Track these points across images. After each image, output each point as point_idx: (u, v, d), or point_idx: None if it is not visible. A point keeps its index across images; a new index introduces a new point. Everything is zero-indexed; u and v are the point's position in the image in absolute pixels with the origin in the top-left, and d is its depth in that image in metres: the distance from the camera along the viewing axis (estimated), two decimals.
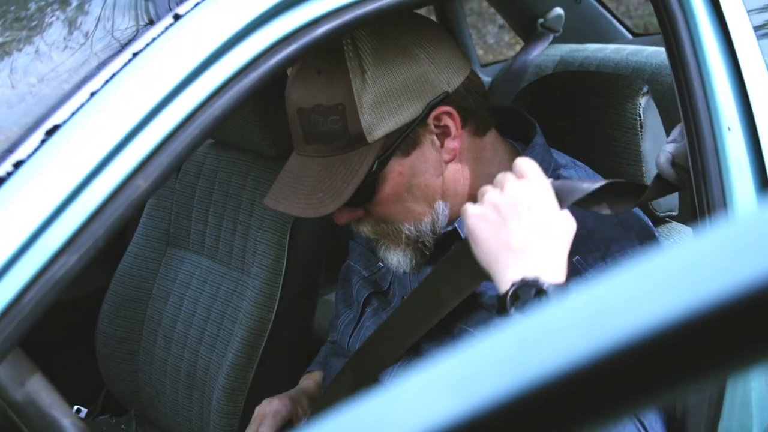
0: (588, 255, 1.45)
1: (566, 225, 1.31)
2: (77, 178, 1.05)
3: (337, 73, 1.49)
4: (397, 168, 1.53)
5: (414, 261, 1.61)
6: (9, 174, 1.04)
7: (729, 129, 1.42)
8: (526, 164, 1.34)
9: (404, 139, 1.51)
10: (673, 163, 1.47)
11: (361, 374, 1.68)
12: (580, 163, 1.63)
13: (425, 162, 1.54)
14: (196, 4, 1.18)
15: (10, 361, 1.12)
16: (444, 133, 1.54)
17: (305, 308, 2.27)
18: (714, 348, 0.47)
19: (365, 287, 1.79)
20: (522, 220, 1.28)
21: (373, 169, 1.50)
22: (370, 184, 1.52)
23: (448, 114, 1.53)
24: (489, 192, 1.33)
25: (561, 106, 1.72)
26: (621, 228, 1.48)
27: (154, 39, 1.14)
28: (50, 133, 1.06)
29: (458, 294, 1.50)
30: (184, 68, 1.13)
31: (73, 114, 1.08)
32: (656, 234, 1.54)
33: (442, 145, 1.54)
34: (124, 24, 1.19)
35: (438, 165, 1.55)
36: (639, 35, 3.41)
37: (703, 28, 1.45)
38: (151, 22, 1.18)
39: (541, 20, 3.03)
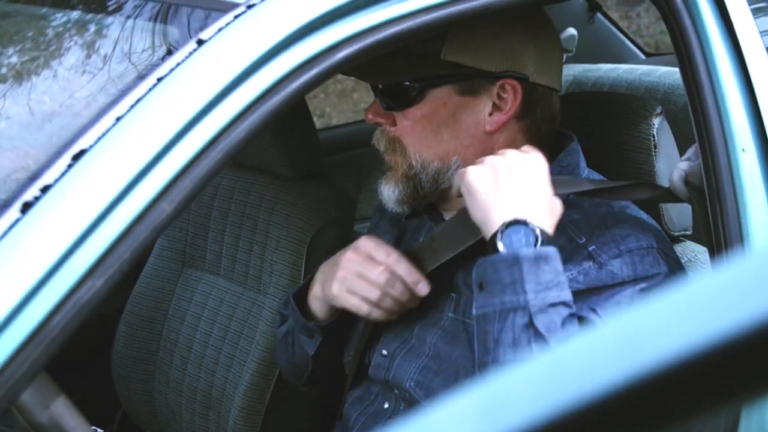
0: (604, 245, 1.49)
1: (553, 202, 1.42)
2: (103, 202, 1.07)
3: None
4: (445, 97, 1.58)
5: (403, 193, 1.64)
6: (37, 198, 1.05)
7: (743, 150, 1.43)
8: (532, 148, 1.45)
9: (467, 80, 1.57)
10: (686, 181, 1.49)
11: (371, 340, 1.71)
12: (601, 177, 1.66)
13: (470, 114, 1.59)
14: (219, 30, 1.20)
15: (35, 383, 1.13)
16: (498, 106, 1.59)
17: None
18: (733, 377, 0.48)
19: None
20: (516, 178, 1.39)
21: (427, 80, 1.56)
22: (415, 93, 1.57)
23: (514, 89, 1.58)
24: (490, 156, 1.43)
25: (575, 127, 1.73)
26: (639, 227, 1.52)
27: (178, 64, 1.16)
28: (77, 157, 1.08)
29: (435, 259, 1.58)
30: (208, 93, 1.15)
31: (99, 139, 1.10)
32: (669, 240, 1.57)
33: (491, 114, 1.59)
34: (146, 49, 1.21)
35: (477, 127, 1.60)
36: (651, 55, 3.43)
37: (716, 49, 1.46)
38: (173, 48, 1.19)
39: None
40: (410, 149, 1.61)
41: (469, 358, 1.54)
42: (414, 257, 1.62)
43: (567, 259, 1.50)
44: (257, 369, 2.17)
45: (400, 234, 1.82)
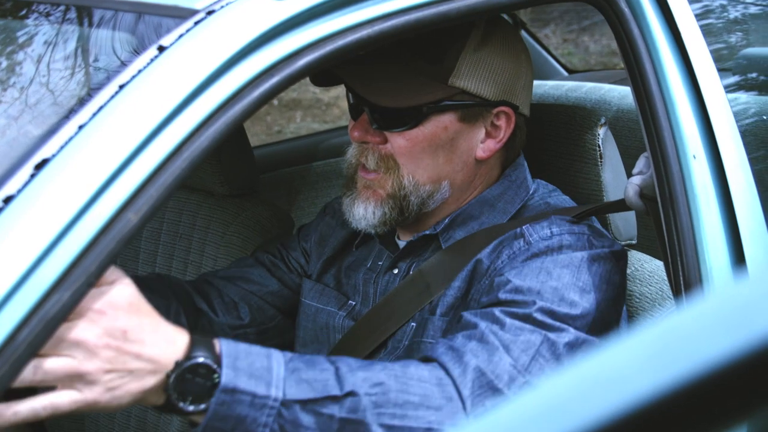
0: (537, 225, 1.52)
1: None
2: (68, 213, 1.03)
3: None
4: (447, 122, 1.57)
5: (387, 215, 1.60)
6: None
7: (694, 157, 1.45)
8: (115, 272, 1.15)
9: (469, 107, 1.58)
10: (641, 194, 1.51)
11: None
12: (557, 190, 1.69)
13: (466, 140, 1.60)
14: (180, 36, 1.17)
15: None
16: (491, 133, 1.61)
17: None
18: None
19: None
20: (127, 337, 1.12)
21: (436, 105, 1.55)
22: (419, 117, 1.56)
23: (508, 117, 1.61)
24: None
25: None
26: (574, 222, 1.54)
27: (140, 71, 1.13)
28: (39, 167, 1.04)
29: (427, 296, 1.56)
30: (171, 100, 1.12)
31: (61, 147, 1.06)
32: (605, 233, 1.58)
33: (484, 141, 1.60)
34: (107, 56, 1.18)
35: (471, 153, 1.61)
36: (574, 72, 3.49)
37: (664, 57, 1.48)
38: (134, 54, 1.16)
39: None
40: (404, 169, 1.58)
41: None
42: (402, 293, 1.61)
43: (499, 243, 1.52)
44: None
45: (344, 245, 1.80)
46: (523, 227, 1.53)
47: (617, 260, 1.52)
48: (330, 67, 1.54)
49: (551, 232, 1.50)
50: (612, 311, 1.47)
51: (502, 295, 1.42)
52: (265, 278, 1.84)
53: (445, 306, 1.54)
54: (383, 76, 1.56)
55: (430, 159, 1.58)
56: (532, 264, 1.45)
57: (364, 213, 1.61)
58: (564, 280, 1.42)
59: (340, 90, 7.58)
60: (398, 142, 1.57)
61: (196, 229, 2.26)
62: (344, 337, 1.68)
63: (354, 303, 1.72)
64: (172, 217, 2.30)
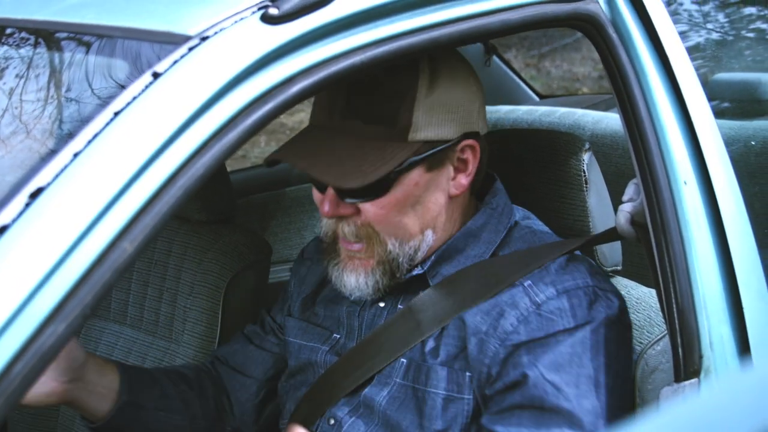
0: (540, 282, 1.50)
1: None
2: (64, 242, 1.01)
3: (408, 65, 1.50)
4: (416, 178, 1.53)
5: (380, 283, 1.57)
6: None
7: (685, 183, 1.45)
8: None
9: (434, 154, 1.53)
10: (632, 221, 1.50)
11: (314, 407, 1.65)
12: (531, 215, 1.67)
13: (438, 185, 1.56)
14: (175, 62, 1.15)
15: None
16: (459, 169, 1.57)
17: None
18: None
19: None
20: None
21: (401, 167, 1.50)
22: (387, 182, 1.50)
23: (472, 149, 1.57)
24: None
25: (503, 165, 1.74)
26: (576, 267, 1.54)
27: (134, 98, 1.11)
28: (34, 196, 1.02)
29: (418, 335, 1.54)
30: (166, 127, 1.10)
31: (56, 176, 1.04)
32: (604, 273, 1.61)
33: (454, 178, 1.57)
34: (102, 82, 1.16)
35: (444, 195, 1.57)
36: (545, 97, 3.50)
37: (654, 86, 1.48)
38: (128, 81, 1.14)
39: None
40: (384, 235, 1.55)
41: (419, 425, 1.51)
42: (391, 329, 1.58)
43: (500, 295, 1.51)
44: None
45: (322, 280, 1.77)
46: (525, 283, 1.50)
47: (623, 315, 1.54)
48: (282, 159, 1.54)
49: (556, 291, 1.49)
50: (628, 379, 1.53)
51: (537, 392, 1.44)
52: (266, 362, 1.85)
53: (447, 356, 1.52)
54: (342, 154, 1.50)
55: (408, 218, 1.54)
56: (555, 349, 1.46)
57: (356, 283, 1.58)
58: (591, 365, 1.46)
59: (304, 115, 7.56)
60: (372, 211, 1.53)
61: (171, 255, 2.23)
62: (327, 372, 1.65)
63: (338, 336, 1.68)
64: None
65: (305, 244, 1.93)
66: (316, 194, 1.59)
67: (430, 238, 1.58)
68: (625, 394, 1.51)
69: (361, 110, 1.51)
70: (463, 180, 1.58)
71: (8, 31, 1.36)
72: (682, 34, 1.77)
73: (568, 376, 1.45)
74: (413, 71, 1.50)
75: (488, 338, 1.48)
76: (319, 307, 1.75)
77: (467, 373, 1.49)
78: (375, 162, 1.48)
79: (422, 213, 1.56)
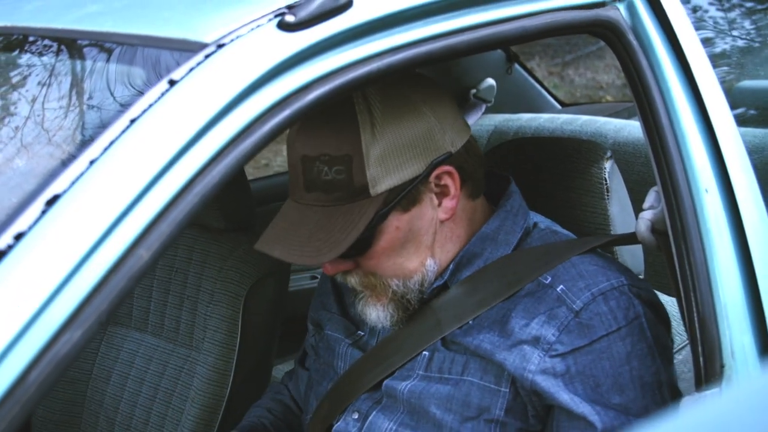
0: (574, 287, 1.49)
1: None
2: (80, 249, 1.01)
3: (346, 124, 1.48)
4: (395, 223, 1.52)
5: (395, 316, 1.60)
6: (10, 247, 0.99)
7: (707, 191, 1.44)
8: None
9: (405, 195, 1.51)
10: (653, 229, 1.49)
11: (335, 404, 1.66)
12: (555, 224, 1.66)
13: (422, 219, 1.54)
14: (191, 70, 1.15)
15: None
16: (443, 193, 1.55)
17: (260, 381, 2.21)
18: None
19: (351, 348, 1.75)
20: None
21: (373, 222, 1.49)
22: (367, 237, 1.51)
23: (449, 174, 1.53)
24: None
25: (524, 172, 1.73)
26: (607, 268, 1.53)
27: (150, 105, 1.11)
28: (51, 203, 1.02)
29: (438, 333, 1.56)
30: (183, 134, 1.10)
31: (73, 183, 1.04)
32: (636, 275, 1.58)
33: (439, 204, 1.55)
34: (118, 90, 1.16)
35: (433, 223, 1.56)
36: (567, 105, 3.49)
37: (675, 92, 1.47)
38: (144, 88, 1.14)
39: (473, 90, 3.06)
40: (386, 278, 1.57)
41: (448, 410, 1.51)
42: (411, 328, 1.60)
43: (536, 304, 1.49)
44: (194, 428, 2.09)
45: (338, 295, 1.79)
46: (558, 288, 1.50)
47: (660, 311, 1.55)
48: (261, 249, 1.55)
49: (592, 295, 1.48)
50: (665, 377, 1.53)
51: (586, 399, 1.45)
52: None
53: (483, 351, 1.51)
54: (311, 229, 1.51)
55: (402, 258, 1.55)
56: (599, 355, 1.46)
57: (377, 317, 1.60)
58: (636, 366, 1.47)
59: None
60: (366, 263, 1.55)
61: (192, 263, 2.23)
62: (348, 371, 1.67)
63: (362, 333, 1.71)
64: (168, 252, 2.27)
65: None
66: None
67: (432, 266, 1.58)
68: (669, 388, 1.51)
69: (317, 182, 1.51)
70: (449, 203, 1.55)
71: (30, 38, 1.37)
72: (707, 41, 1.76)
73: (614, 381, 1.46)
74: (353, 131, 1.48)
75: (531, 348, 1.47)
76: (351, 305, 1.76)
77: (506, 371, 1.49)
78: (345, 228, 1.49)
79: (415, 248, 1.56)
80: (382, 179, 1.48)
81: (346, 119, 1.48)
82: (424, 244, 1.56)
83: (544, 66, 8.46)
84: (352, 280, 1.59)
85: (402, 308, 1.59)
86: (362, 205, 1.49)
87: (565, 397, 1.44)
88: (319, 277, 2.95)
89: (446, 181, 1.53)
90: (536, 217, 1.65)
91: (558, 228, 1.65)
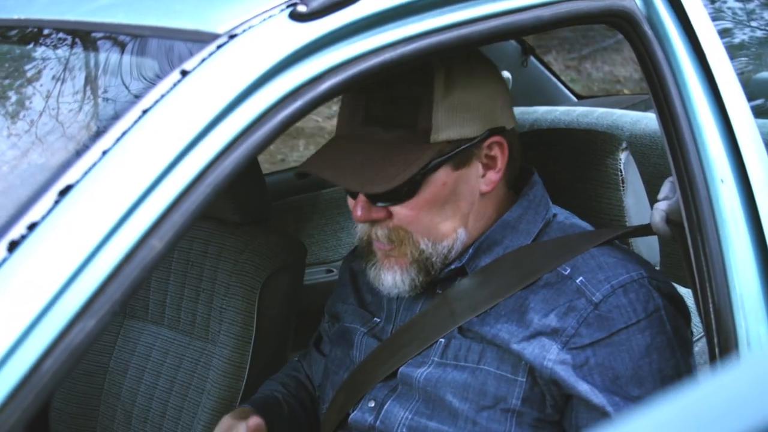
0: (593, 278, 1.49)
1: None
2: (93, 239, 1.01)
3: (423, 69, 1.51)
4: (443, 178, 1.53)
5: (415, 281, 1.59)
6: (23, 237, 0.99)
7: (722, 181, 1.43)
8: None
9: (459, 153, 1.53)
10: (668, 220, 1.49)
11: (351, 393, 1.67)
12: (573, 215, 1.66)
13: (467, 183, 1.56)
14: (203, 60, 1.15)
15: None
16: (488, 165, 1.58)
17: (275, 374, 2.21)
18: None
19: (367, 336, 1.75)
20: None
21: (426, 168, 1.51)
22: (415, 184, 1.52)
23: (500, 146, 1.57)
24: None
25: (540, 164, 1.72)
26: (626, 261, 1.53)
27: (162, 96, 1.11)
28: (63, 193, 1.02)
29: (452, 323, 1.55)
30: (195, 125, 1.10)
31: (85, 173, 1.04)
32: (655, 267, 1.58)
33: (483, 176, 1.58)
34: (130, 81, 1.16)
35: (474, 192, 1.58)
36: (583, 98, 3.47)
37: (690, 83, 1.46)
38: (156, 79, 1.14)
39: None
40: (417, 236, 1.57)
41: (464, 399, 1.51)
42: (425, 318, 1.60)
43: (555, 295, 1.49)
44: (210, 420, 2.09)
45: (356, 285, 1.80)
46: (577, 280, 1.50)
47: (680, 303, 1.55)
48: (310, 171, 1.55)
49: (611, 287, 1.48)
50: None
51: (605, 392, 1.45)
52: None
53: (500, 340, 1.51)
54: (366, 160, 1.51)
55: (439, 217, 1.56)
56: (619, 347, 1.46)
57: (393, 281, 1.60)
58: (656, 359, 1.47)
59: None
60: (403, 213, 1.55)
61: (207, 256, 2.24)
62: (363, 361, 1.67)
63: (378, 320, 1.71)
64: (184, 245, 2.28)
65: (340, 246, 1.95)
66: (349, 201, 1.62)
67: (463, 236, 1.59)
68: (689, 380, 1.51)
69: (381, 117, 1.53)
70: (493, 176, 1.58)
71: (43, 31, 1.37)
72: (725, 32, 1.74)
73: (633, 374, 1.46)
74: (428, 75, 1.51)
75: (550, 340, 1.47)
76: (367, 293, 1.78)
77: (524, 360, 1.49)
78: (400, 165, 1.49)
79: (453, 212, 1.56)
80: (444, 129, 1.51)
81: (424, 66, 1.50)
82: (461, 211, 1.57)
83: (561, 60, 8.43)
84: (379, 233, 1.58)
85: (424, 272, 1.59)
86: (419, 150, 1.51)
87: (584, 387, 1.44)
88: (335, 270, 2.96)
89: (496, 152, 1.57)
90: (555, 209, 1.66)
91: (576, 220, 1.65)
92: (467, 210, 1.58)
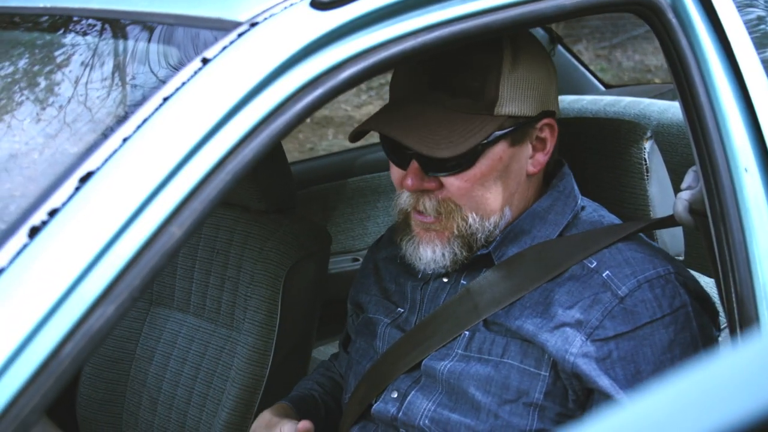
0: (620, 273, 1.49)
1: None
2: (113, 225, 1.02)
3: (493, 42, 1.53)
4: (500, 152, 1.55)
5: (458, 255, 1.58)
6: (44, 223, 1.00)
7: (746, 170, 1.42)
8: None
9: (517, 130, 1.55)
10: (691, 209, 1.48)
11: (373, 384, 1.67)
12: (602, 207, 1.66)
13: (519, 162, 1.58)
14: (224, 48, 1.16)
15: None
16: (537, 147, 1.59)
17: (299, 362, 2.22)
18: None
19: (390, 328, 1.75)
20: None
21: (488, 139, 1.52)
22: (473, 155, 1.52)
23: (551, 128, 1.59)
24: None
25: (566, 153, 1.72)
26: (653, 256, 1.53)
27: (183, 83, 1.12)
28: (84, 180, 1.03)
29: (476, 316, 1.55)
30: (215, 113, 1.11)
31: (106, 160, 1.05)
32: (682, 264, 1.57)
33: (532, 156, 1.59)
34: (151, 68, 1.17)
35: (522, 172, 1.59)
36: (611, 87, 3.45)
37: (715, 72, 1.45)
38: (177, 67, 1.15)
39: None
40: (466, 209, 1.56)
41: (486, 392, 1.51)
42: (448, 311, 1.60)
43: (581, 288, 1.49)
44: (234, 408, 2.11)
45: (389, 258, 1.79)
46: (603, 274, 1.50)
47: (706, 300, 1.54)
48: (372, 129, 1.55)
49: (638, 282, 1.48)
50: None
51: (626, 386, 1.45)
52: None
53: (525, 332, 1.51)
54: (431, 124, 1.51)
55: (490, 192, 1.56)
56: (643, 341, 1.46)
57: (432, 255, 1.59)
58: (679, 355, 1.47)
59: (372, 107, 7.58)
60: (456, 184, 1.54)
61: (233, 244, 2.25)
62: (386, 352, 1.67)
63: (402, 311, 1.71)
64: (209, 233, 2.29)
65: (367, 235, 1.95)
66: (394, 172, 1.61)
67: (507, 215, 1.59)
68: None
69: (448, 83, 1.53)
70: (541, 158, 1.60)
71: (56, 19, 1.38)
72: (750, 22, 1.73)
73: (654, 368, 1.45)
74: (497, 47, 1.53)
75: (574, 331, 1.47)
76: (390, 282, 1.78)
77: (547, 353, 1.48)
78: (463, 133, 1.50)
79: (503, 189, 1.57)
80: (508, 102, 1.53)
81: (493, 40, 1.53)
82: (509, 190, 1.58)
83: (592, 49, 8.39)
84: (427, 204, 1.57)
85: (467, 247, 1.58)
86: (482, 120, 1.52)
87: (606, 381, 1.44)
88: (360, 259, 2.96)
89: (546, 134, 1.59)
90: (585, 201, 1.65)
91: (604, 212, 1.64)
92: (514, 189, 1.59)
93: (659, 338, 1.46)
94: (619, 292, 1.47)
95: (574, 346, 1.45)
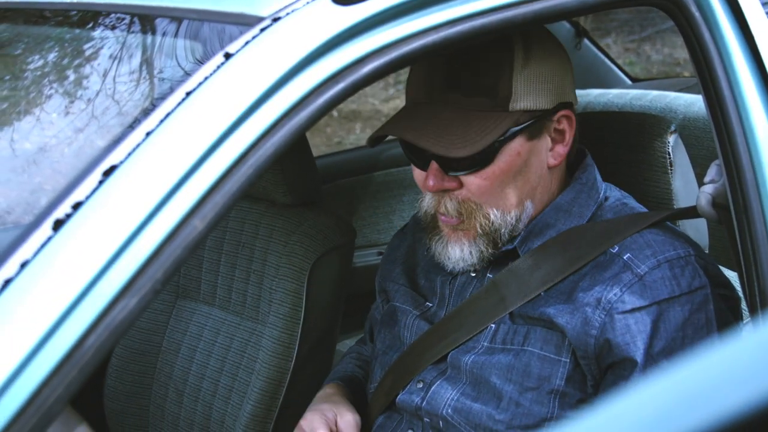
0: (640, 253, 1.50)
1: None
2: (136, 219, 1.04)
3: (504, 39, 1.53)
4: (518, 147, 1.55)
5: (484, 252, 1.60)
6: (68, 216, 1.02)
7: None
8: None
9: (534, 124, 1.55)
10: (714, 203, 1.48)
11: (399, 376, 1.68)
12: (628, 195, 1.67)
13: (538, 155, 1.58)
14: (246, 43, 1.17)
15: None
16: (556, 139, 1.60)
17: (324, 356, 2.23)
18: None
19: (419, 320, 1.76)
20: None
21: (505, 135, 1.53)
22: (491, 152, 1.53)
23: (568, 120, 1.60)
24: None
25: (591, 147, 1.72)
26: (674, 239, 1.54)
27: (206, 78, 1.13)
28: (108, 173, 1.05)
29: (502, 309, 1.56)
30: (237, 107, 1.12)
31: (129, 154, 1.06)
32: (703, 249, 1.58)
33: (552, 149, 1.60)
34: (174, 63, 1.18)
35: (543, 165, 1.60)
36: (638, 80, 3.44)
37: (738, 65, 1.45)
38: (200, 61, 1.16)
39: None
40: (487, 207, 1.57)
41: (508, 380, 1.52)
42: (475, 303, 1.61)
43: (602, 271, 1.50)
44: (259, 400, 2.12)
45: (416, 250, 1.80)
46: (624, 257, 1.51)
47: (726, 285, 1.54)
48: (388, 133, 1.57)
49: (657, 261, 1.49)
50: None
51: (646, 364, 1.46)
52: None
53: (546, 316, 1.52)
54: (446, 125, 1.52)
55: (510, 188, 1.57)
56: (661, 316, 1.47)
57: (461, 254, 1.61)
58: (696, 335, 1.48)
59: (399, 102, 7.58)
60: (476, 182, 1.55)
61: (258, 238, 2.26)
62: (413, 344, 1.68)
63: (431, 305, 1.72)
64: (235, 227, 2.31)
65: (392, 228, 1.96)
66: (417, 174, 1.62)
67: (530, 209, 1.60)
68: None
69: (461, 83, 1.54)
70: (561, 149, 1.60)
71: (82, 15, 1.40)
72: None
73: (665, 345, 1.46)
74: (508, 44, 1.53)
75: (593, 309, 1.48)
76: (421, 277, 1.79)
77: (567, 339, 1.50)
78: (480, 131, 1.51)
79: (523, 183, 1.58)
80: (522, 97, 1.53)
81: (504, 36, 1.53)
82: (530, 183, 1.59)
83: (620, 42, 8.35)
84: (449, 205, 1.59)
85: (492, 243, 1.59)
86: (498, 117, 1.53)
87: (632, 350, 1.46)
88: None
89: (564, 126, 1.59)
90: (611, 190, 1.66)
91: (630, 200, 1.65)
92: (536, 183, 1.59)
93: (673, 315, 1.47)
94: (639, 271, 1.49)
95: (592, 325, 1.47)
